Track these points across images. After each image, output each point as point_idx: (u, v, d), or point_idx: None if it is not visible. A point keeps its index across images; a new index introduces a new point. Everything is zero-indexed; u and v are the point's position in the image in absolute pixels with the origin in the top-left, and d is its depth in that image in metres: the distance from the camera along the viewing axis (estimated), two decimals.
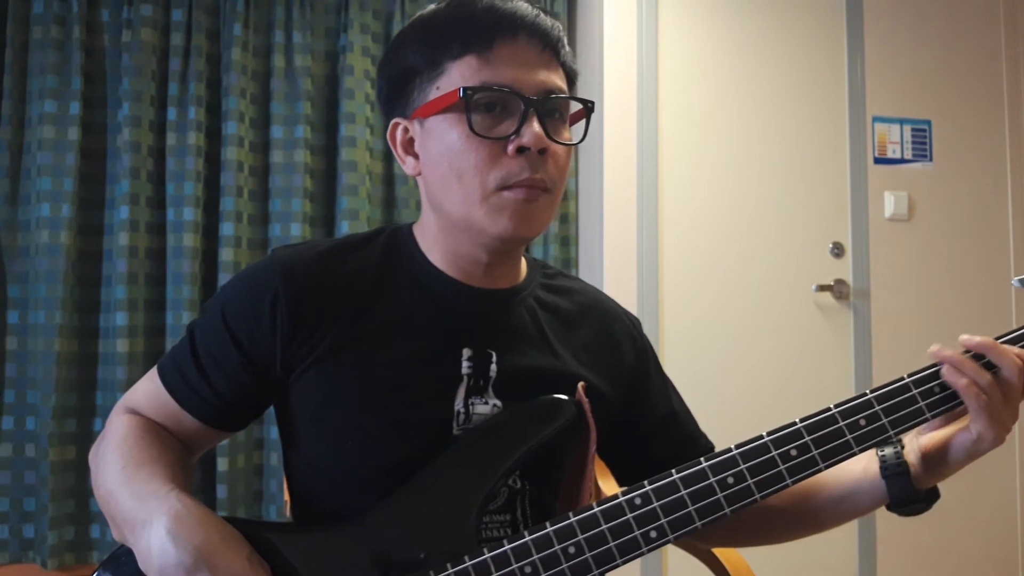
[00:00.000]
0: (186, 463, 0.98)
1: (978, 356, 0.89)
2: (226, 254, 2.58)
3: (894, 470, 0.92)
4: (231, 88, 2.61)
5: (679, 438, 1.11)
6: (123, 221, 2.52)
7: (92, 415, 2.55)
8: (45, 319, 2.46)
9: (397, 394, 0.94)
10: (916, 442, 0.93)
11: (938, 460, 0.91)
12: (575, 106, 0.99)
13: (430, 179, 0.97)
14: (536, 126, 0.91)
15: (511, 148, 0.91)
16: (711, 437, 1.14)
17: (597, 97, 2.72)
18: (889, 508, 0.95)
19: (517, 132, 0.90)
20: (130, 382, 2.44)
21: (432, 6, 0.98)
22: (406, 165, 1.00)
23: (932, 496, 0.94)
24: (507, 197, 0.91)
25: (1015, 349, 0.89)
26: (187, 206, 2.56)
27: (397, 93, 0.99)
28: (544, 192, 0.93)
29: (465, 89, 0.90)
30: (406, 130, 0.99)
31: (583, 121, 1.01)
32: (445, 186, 0.94)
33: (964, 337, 0.89)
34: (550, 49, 0.95)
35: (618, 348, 1.09)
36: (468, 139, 0.91)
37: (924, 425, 0.93)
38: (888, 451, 0.93)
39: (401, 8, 2.78)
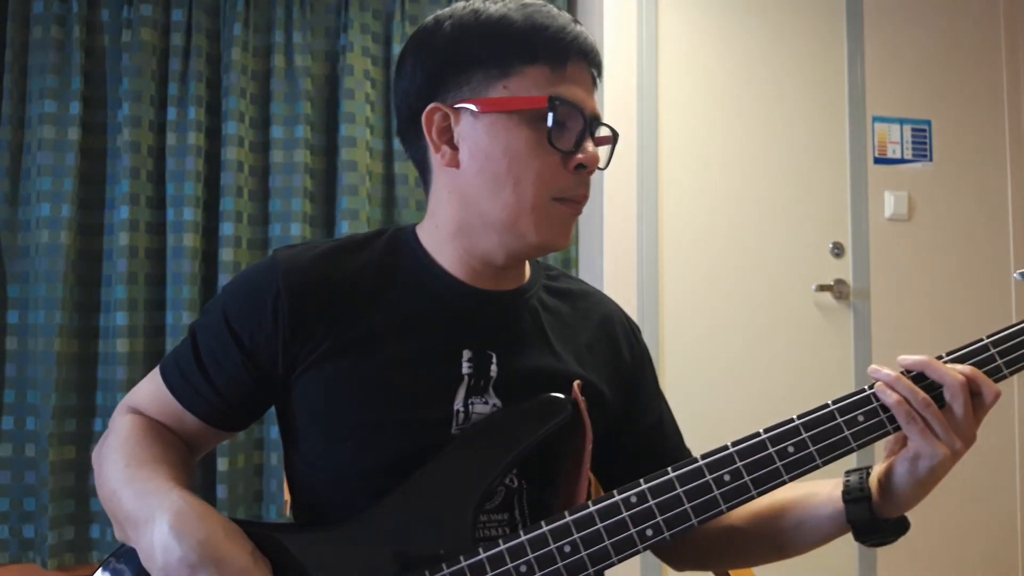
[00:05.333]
0: (188, 462, 0.98)
1: (921, 377, 0.88)
2: (226, 254, 2.58)
3: (855, 495, 0.92)
4: (231, 88, 2.61)
5: (665, 449, 1.11)
6: (123, 221, 2.52)
7: (92, 415, 2.55)
8: (45, 319, 2.47)
9: (397, 394, 0.94)
10: (878, 468, 0.93)
11: (889, 484, 0.90)
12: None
13: (471, 174, 0.95)
14: (592, 147, 0.95)
15: (573, 164, 0.93)
16: (710, 437, 1.12)
17: (597, 97, 2.72)
18: (856, 538, 0.94)
19: (577, 149, 0.93)
20: (130, 382, 2.45)
21: (494, 5, 0.96)
22: (440, 154, 0.96)
23: (900, 528, 0.93)
24: (559, 209, 0.94)
25: (959, 366, 0.87)
26: (187, 206, 2.56)
27: (446, 78, 0.95)
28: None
29: (553, 98, 0.91)
30: (445, 116, 0.96)
31: (607, 147, 1.04)
32: (495, 185, 0.93)
33: (902, 358, 0.89)
34: (598, 78, 0.99)
35: (618, 351, 1.09)
36: (537, 146, 0.92)
37: (887, 447, 0.92)
38: (853, 477, 0.94)
39: (401, 8, 2.78)
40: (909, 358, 0.88)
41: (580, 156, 0.93)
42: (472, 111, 0.93)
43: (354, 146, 2.68)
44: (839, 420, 0.88)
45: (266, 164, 2.69)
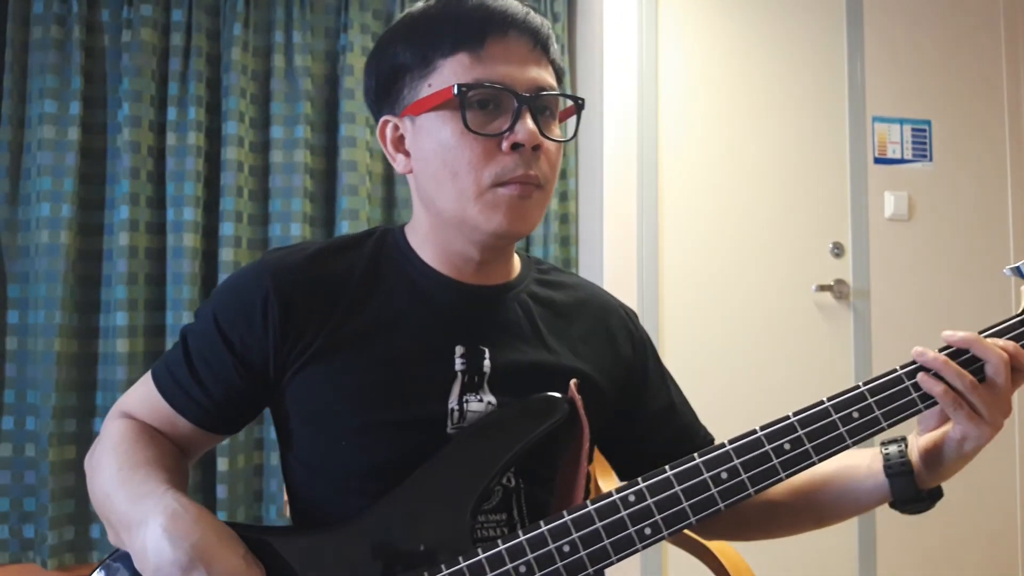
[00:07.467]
0: (182, 466, 0.98)
1: (961, 351, 0.89)
2: (226, 254, 2.58)
3: (898, 469, 0.93)
4: (231, 88, 2.61)
5: (678, 430, 1.11)
6: (123, 221, 2.51)
7: (92, 415, 2.54)
8: (45, 319, 2.46)
9: (390, 394, 0.94)
10: (917, 441, 0.94)
11: (934, 460, 0.92)
12: (564, 102, 1.00)
13: (422, 176, 0.97)
14: (530, 123, 0.91)
15: (505, 145, 0.91)
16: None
17: (597, 97, 2.72)
18: (892, 506, 0.95)
19: (511, 129, 0.91)
20: (130, 382, 2.44)
21: (420, 4, 0.98)
22: (396, 163, 1.00)
23: (935, 495, 0.95)
24: (502, 193, 0.92)
25: (1000, 342, 0.89)
26: (187, 206, 2.56)
27: (387, 91, 0.99)
28: (537, 188, 0.94)
29: (459, 86, 0.90)
30: (396, 128, 0.99)
31: (573, 117, 1.02)
32: (438, 183, 0.94)
33: (947, 333, 0.90)
34: (540, 46, 0.95)
35: (615, 341, 1.09)
36: (462, 136, 0.91)
37: (924, 419, 0.93)
38: (892, 449, 0.94)
39: (401, 8, 2.78)
40: (955, 335, 0.89)
41: (509, 136, 0.91)
42: (411, 117, 0.96)
43: (354, 146, 2.69)
44: (834, 416, 0.88)
45: (266, 164, 2.69)
